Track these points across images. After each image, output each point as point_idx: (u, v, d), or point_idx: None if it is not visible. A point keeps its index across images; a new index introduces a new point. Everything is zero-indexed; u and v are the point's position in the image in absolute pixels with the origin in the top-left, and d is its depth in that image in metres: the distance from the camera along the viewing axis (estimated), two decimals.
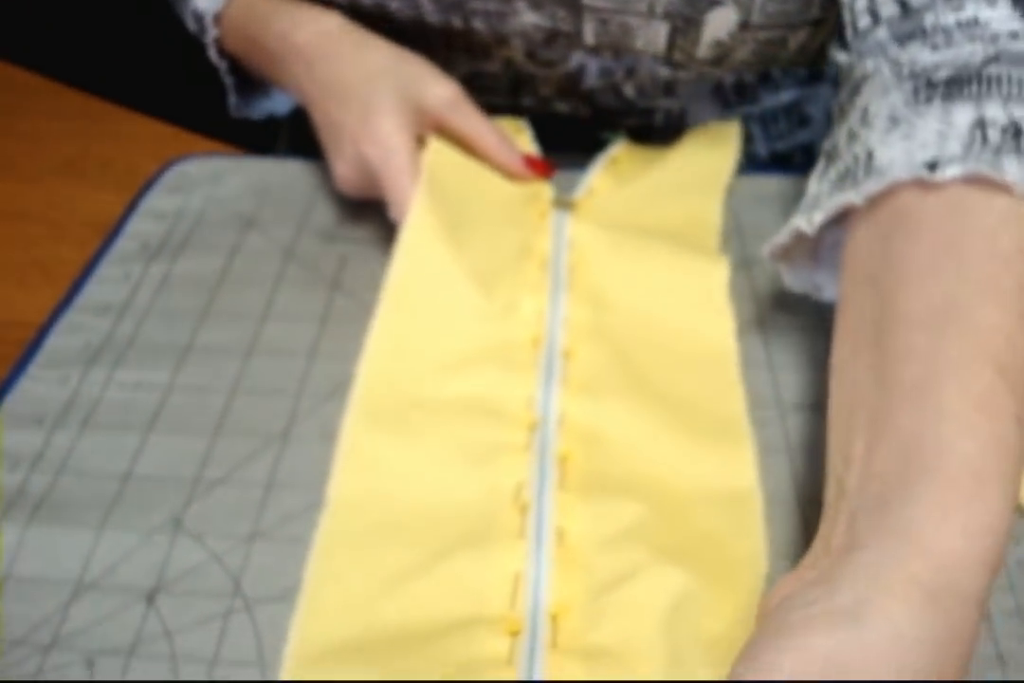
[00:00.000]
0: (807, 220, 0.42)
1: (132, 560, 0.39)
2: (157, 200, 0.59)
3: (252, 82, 0.64)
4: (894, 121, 0.41)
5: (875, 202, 0.39)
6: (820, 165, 0.45)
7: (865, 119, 0.43)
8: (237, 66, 0.62)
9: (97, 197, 0.60)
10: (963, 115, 0.39)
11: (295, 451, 0.43)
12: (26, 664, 0.36)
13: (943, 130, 0.39)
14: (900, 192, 0.39)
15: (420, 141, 0.53)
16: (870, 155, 0.41)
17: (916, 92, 0.41)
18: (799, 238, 0.43)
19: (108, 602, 0.38)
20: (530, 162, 0.56)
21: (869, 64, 0.45)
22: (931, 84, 0.41)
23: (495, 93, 0.65)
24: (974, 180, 0.37)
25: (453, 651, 0.35)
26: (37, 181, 0.63)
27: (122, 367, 0.48)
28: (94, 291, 0.52)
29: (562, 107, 0.65)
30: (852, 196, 0.40)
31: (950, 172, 0.37)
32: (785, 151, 0.68)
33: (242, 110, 0.65)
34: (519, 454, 0.42)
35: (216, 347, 0.49)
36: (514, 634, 0.35)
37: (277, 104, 0.68)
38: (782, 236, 0.43)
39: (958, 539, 0.29)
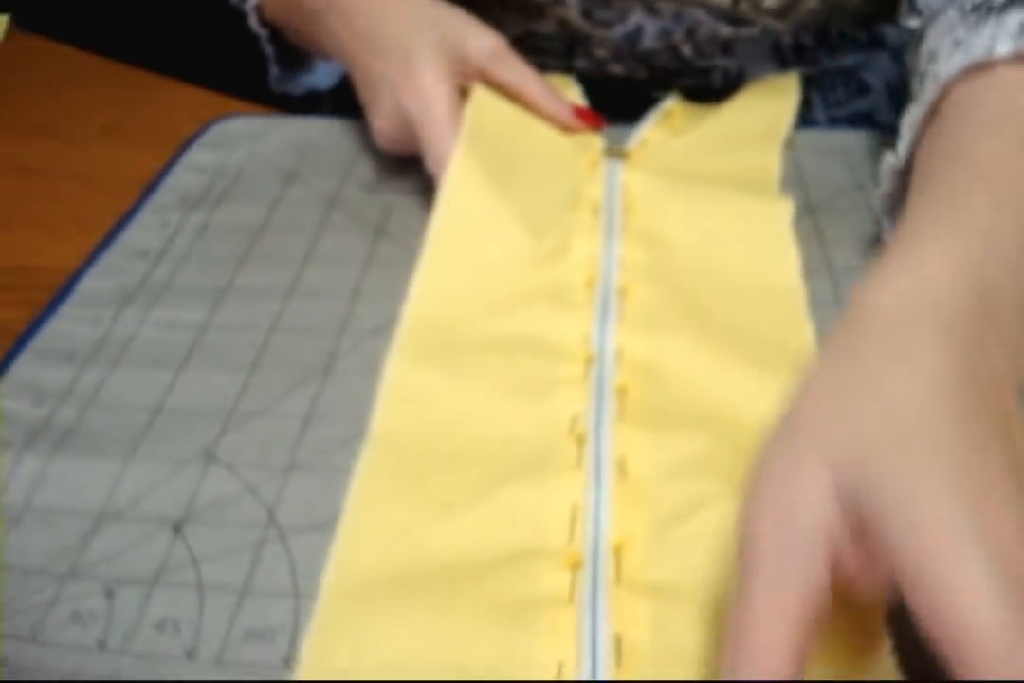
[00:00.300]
0: (894, 154, 0.40)
1: (159, 491, 0.36)
2: (198, 155, 0.57)
3: (294, 55, 0.62)
4: (956, 45, 0.40)
5: (937, 108, 0.39)
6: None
7: (931, 56, 0.42)
8: (278, 37, 0.60)
9: (137, 156, 0.58)
10: (1014, 18, 0.38)
11: (337, 385, 0.41)
12: (42, 593, 0.33)
13: (994, 33, 0.38)
14: (955, 89, 0.38)
15: (463, 93, 0.51)
16: (935, 76, 0.40)
17: (977, 16, 0.40)
18: (899, 182, 0.41)
19: (132, 532, 0.35)
20: (579, 112, 0.54)
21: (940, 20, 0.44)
22: (990, 7, 0.40)
23: (548, 55, 0.63)
24: None
25: (507, 586, 0.31)
26: (77, 142, 0.62)
27: (157, 307, 0.46)
28: (131, 237, 0.50)
29: (617, 69, 0.63)
30: (916, 110, 0.39)
31: (999, 51, 0.37)
32: (844, 118, 0.65)
33: (283, 84, 0.64)
34: (574, 387, 0.39)
35: (255, 289, 0.47)
36: (574, 568, 0.32)
37: (319, 78, 0.67)
38: (884, 181, 0.42)
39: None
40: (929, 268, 0.29)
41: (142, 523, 0.35)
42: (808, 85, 0.61)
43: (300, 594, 0.32)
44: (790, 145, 0.55)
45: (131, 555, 0.34)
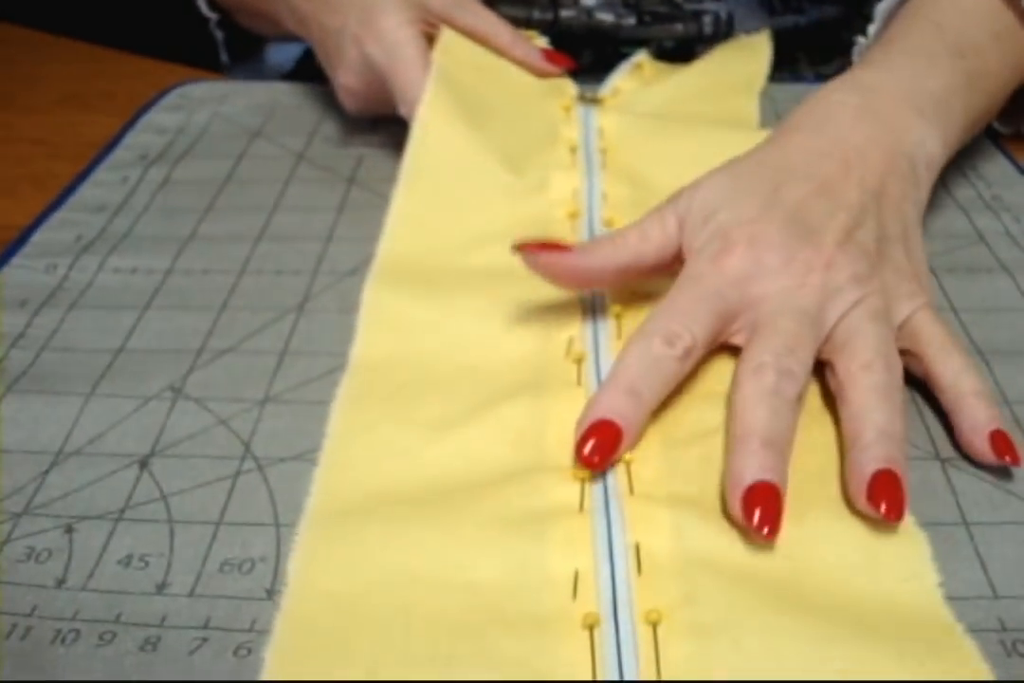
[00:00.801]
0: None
1: (123, 427, 0.33)
2: (159, 117, 0.55)
3: (244, 42, 0.60)
4: None
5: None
6: None
7: None
8: (228, 21, 0.58)
9: (97, 121, 0.56)
10: None
11: (313, 321, 0.38)
12: None
13: None
14: None
15: (429, 40, 0.49)
16: None
17: None
18: None
19: (93, 469, 0.32)
20: (549, 54, 0.52)
21: None
22: None
23: (535, 5, 0.61)
24: None
25: (512, 499, 0.29)
26: (35, 110, 0.59)
27: (116, 255, 0.43)
28: (88, 193, 0.48)
29: (606, 17, 0.61)
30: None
31: None
32: (832, 75, 0.65)
33: (233, 72, 0.62)
34: (569, 310, 0.37)
35: (222, 235, 0.44)
36: (583, 480, 0.30)
37: (276, 62, 0.65)
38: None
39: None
40: (833, 84, 0.39)
41: (104, 460, 0.32)
42: (793, 41, 0.60)
43: (281, 524, 0.30)
44: (772, 98, 0.54)
45: (92, 491, 0.31)
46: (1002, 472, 0.31)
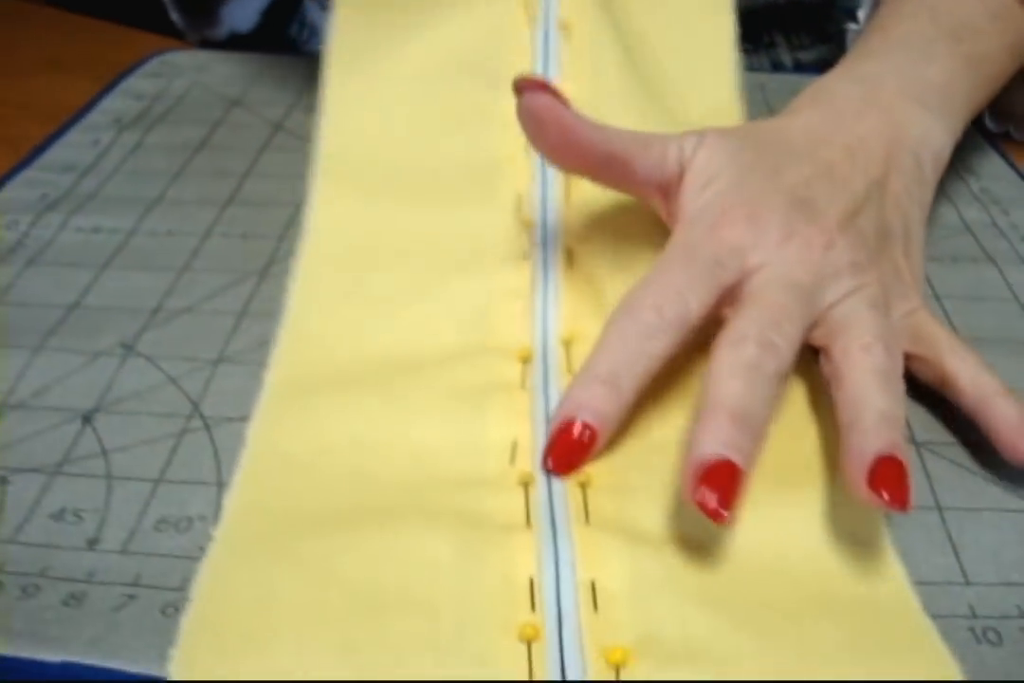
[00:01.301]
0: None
1: (70, 381, 0.32)
2: (137, 82, 0.54)
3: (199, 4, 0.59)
4: None
5: None
6: None
7: None
8: None
9: (75, 84, 0.54)
10: None
11: (275, 285, 0.36)
12: None
13: None
14: None
15: None
16: None
17: None
18: None
19: (33, 422, 0.30)
20: None
21: None
22: None
23: None
24: None
25: (458, 375, 0.31)
26: (12, 74, 0.57)
27: (80, 214, 0.41)
28: (58, 154, 0.46)
29: None
30: None
31: None
32: (810, 63, 0.63)
33: (194, 33, 0.60)
34: (517, 165, 0.37)
35: (190, 199, 0.43)
36: (525, 361, 0.31)
37: (238, 21, 0.62)
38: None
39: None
40: (832, 74, 0.38)
41: (47, 413, 0.31)
42: (772, 26, 0.59)
43: (224, 483, 0.28)
44: (763, 88, 0.53)
45: (30, 445, 0.30)
46: (980, 458, 0.30)
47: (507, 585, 0.24)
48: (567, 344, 0.31)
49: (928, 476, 0.29)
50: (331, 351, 0.31)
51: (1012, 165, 0.46)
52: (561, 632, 0.23)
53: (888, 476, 0.25)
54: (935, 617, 0.24)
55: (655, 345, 0.28)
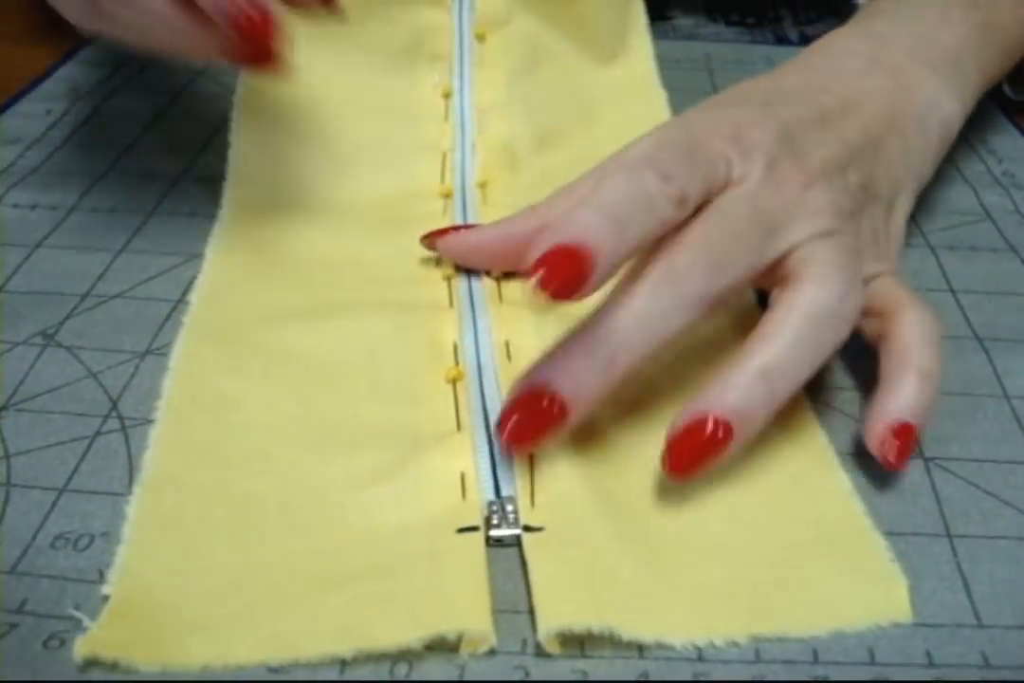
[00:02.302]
0: None
1: None
2: (97, 50, 0.50)
3: None
4: None
5: None
6: None
7: None
8: None
9: (36, 55, 0.51)
10: None
11: None
12: None
13: None
14: None
15: None
16: None
17: None
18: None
19: None
20: None
21: None
22: None
23: None
24: None
25: (390, 212, 0.36)
26: None
27: (18, 189, 0.38)
28: (6, 125, 0.43)
29: None
30: None
31: None
32: (816, 37, 0.60)
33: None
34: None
35: (139, 174, 0.39)
36: (447, 197, 0.37)
37: None
38: None
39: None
40: (839, 30, 0.36)
41: None
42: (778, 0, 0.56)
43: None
44: (768, 60, 0.49)
45: None
46: (997, 476, 0.26)
47: (435, 348, 0.29)
48: (482, 187, 0.37)
49: (937, 497, 0.26)
50: (260, 256, 0.34)
51: None
52: (481, 375, 0.28)
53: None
54: (941, 666, 0.21)
55: (660, 212, 0.24)
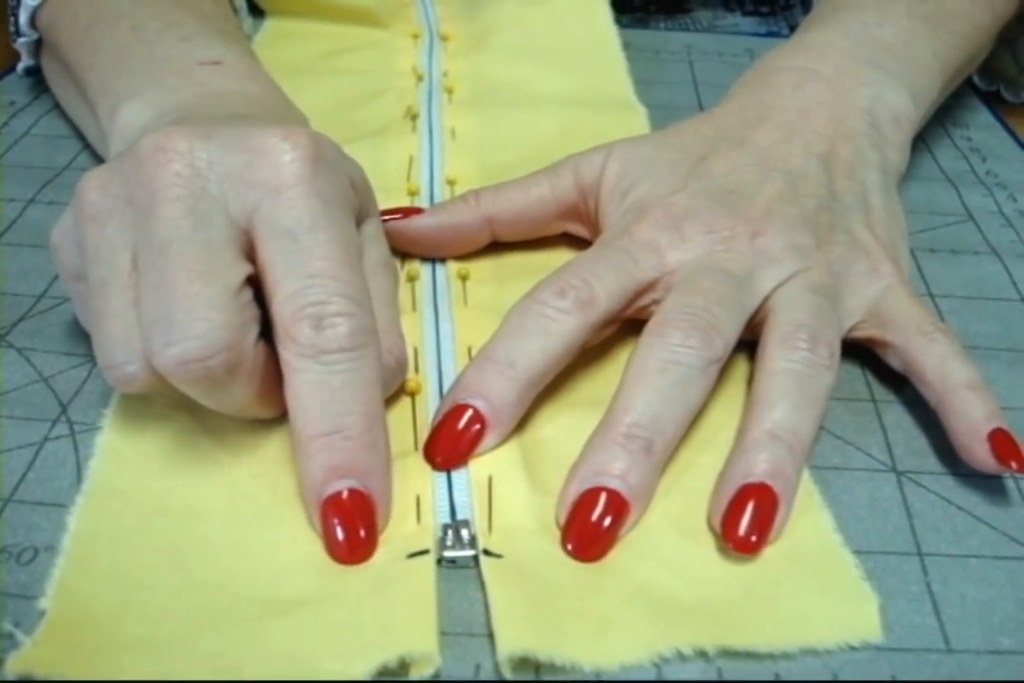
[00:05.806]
0: None
1: None
2: None
3: None
4: None
5: None
6: None
7: None
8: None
9: (3, 45, 0.50)
10: None
11: None
12: None
13: None
14: None
15: None
16: None
17: None
18: None
19: None
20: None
21: None
22: None
23: None
24: None
25: None
26: None
27: None
28: None
29: None
30: None
31: None
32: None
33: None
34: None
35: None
36: (413, 195, 0.36)
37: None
38: None
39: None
40: (774, 50, 0.36)
41: None
42: None
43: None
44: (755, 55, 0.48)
45: None
46: (969, 491, 0.26)
47: None
48: (451, 184, 0.37)
49: (908, 512, 0.25)
50: None
51: (1023, 146, 0.41)
52: (441, 384, 0.28)
53: (749, 514, 0.23)
54: None
55: (554, 326, 0.25)
